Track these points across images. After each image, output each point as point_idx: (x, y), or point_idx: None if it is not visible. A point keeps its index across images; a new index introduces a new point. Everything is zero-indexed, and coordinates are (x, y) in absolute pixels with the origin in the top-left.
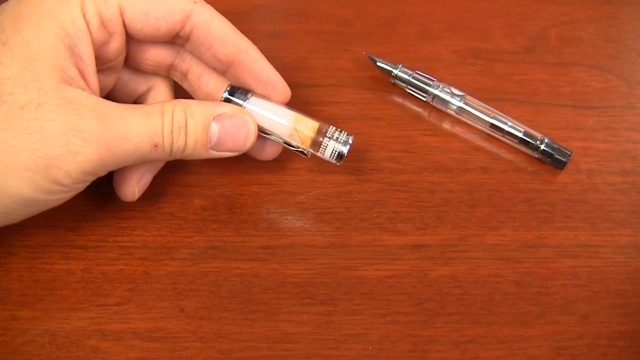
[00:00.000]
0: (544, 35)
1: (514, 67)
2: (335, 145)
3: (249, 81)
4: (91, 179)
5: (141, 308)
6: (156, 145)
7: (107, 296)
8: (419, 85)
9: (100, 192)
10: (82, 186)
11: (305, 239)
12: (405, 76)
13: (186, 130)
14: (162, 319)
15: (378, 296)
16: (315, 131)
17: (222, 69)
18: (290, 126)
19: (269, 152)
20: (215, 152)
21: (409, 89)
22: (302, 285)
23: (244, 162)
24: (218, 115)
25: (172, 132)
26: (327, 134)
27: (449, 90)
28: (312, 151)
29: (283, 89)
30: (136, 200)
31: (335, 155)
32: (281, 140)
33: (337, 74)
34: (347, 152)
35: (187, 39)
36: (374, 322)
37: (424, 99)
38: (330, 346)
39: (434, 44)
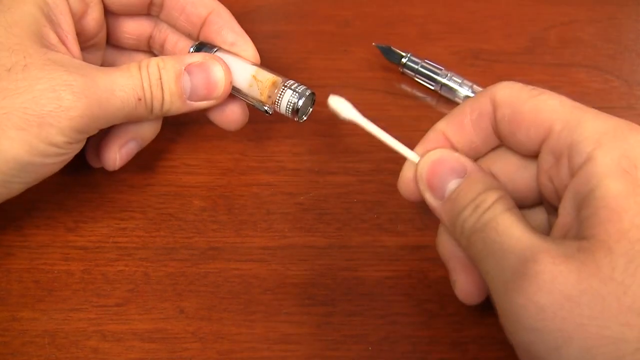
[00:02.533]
0: (543, 36)
1: (513, 67)
2: (291, 95)
3: (218, 42)
4: (83, 137)
5: (141, 309)
6: (140, 99)
7: (106, 297)
8: (428, 74)
9: (100, 192)
10: (75, 147)
11: (305, 240)
12: (414, 65)
13: (161, 83)
14: (162, 320)
15: (378, 297)
16: (274, 81)
17: (195, 32)
18: (249, 75)
19: (231, 117)
20: (192, 102)
21: (418, 78)
22: (301, 286)
23: (243, 162)
24: (188, 64)
25: (150, 86)
26: (285, 85)
27: (458, 80)
28: (272, 107)
29: (250, 51)
30: (136, 201)
31: (291, 109)
32: (244, 96)
33: (337, 74)
34: (308, 109)
35: (161, 5)
36: (374, 322)
37: (432, 88)
38: (330, 347)
39: (434, 45)
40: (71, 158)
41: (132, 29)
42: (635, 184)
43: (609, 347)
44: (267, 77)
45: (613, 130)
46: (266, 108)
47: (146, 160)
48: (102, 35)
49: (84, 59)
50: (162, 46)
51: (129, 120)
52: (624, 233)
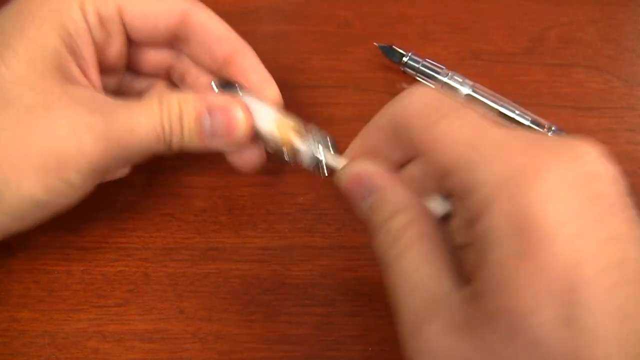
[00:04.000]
0: (543, 37)
1: (513, 68)
2: (312, 152)
3: (242, 82)
4: (100, 177)
5: (141, 309)
6: (159, 137)
7: (107, 297)
8: (429, 73)
9: (100, 193)
10: (91, 185)
11: (304, 240)
12: (415, 64)
13: (181, 120)
14: (162, 320)
15: (378, 297)
16: (295, 131)
17: (216, 70)
18: (272, 122)
19: (248, 159)
20: (211, 142)
21: (419, 77)
22: (301, 286)
23: None
24: (209, 105)
25: (170, 122)
26: (307, 136)
27: (459, 79)
28: (293, 158)
29: (274, 93)
30: (136, 202)
31: (313, 164)
32: (265, 142)
33: (337, 75)
34: (331, 164)
35: (185, 40)
36: (374, 323)
37: (433, 87)
38: (330, 347)
39: (434, 45)
40: (87, 195)
41: (153, 58)
42: (524, 249)
43: None
44: (289, 126)
45: (511, 176)
46: (287, 159)
47: (146, 160)
48: (122, 61)
49: (102, 83)
50: (182, 77)
51: (147, 155)
52: (507, 311)
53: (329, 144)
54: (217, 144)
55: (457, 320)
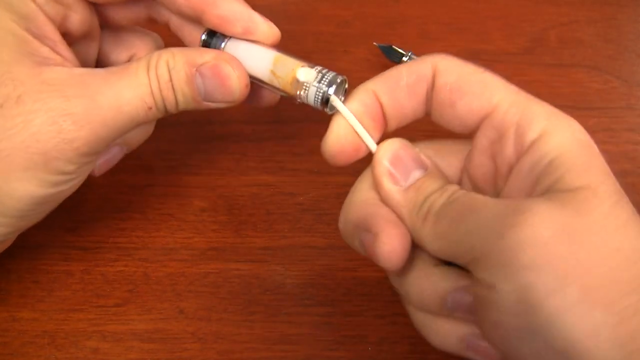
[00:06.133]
0: (543, 37)
1: (513, 68)
2: (317, 87)
3: (225, 27)
4: (95, 158)
5: (140, 309)
6: (150, 108)
7: (106, 297)
8: None
9: (100, 193)
10: (88, 167)
11: (304, 240)
12: None
13: (172, 85)
14: (162, 320)
15: (377, 297)
16: (295, 74)
17: (195, 16)
18: (268, 71)
19: (260, 100)
20: (208, 103)
21: None
22: (301, 286)
23: (243, 162)
24: (199, 66)
25: (160, 90)
26: (310, 76)
27: None
28: (300, 96)
29: (266, 31)
30: (136, 202)
31: (320, 99)
32: (268, 85)
33: None
34: (340, 97)
35: None
36: (373, 323)
37: None
38: (330, 347)
39: (434, 45)
40: (87, 176)
41: (126, 14)
42: (593, 152)
43: (609, 287)
44: (289, 66)
45: (558, 114)
46: (298, 100)
47: (146, 160)
48: (94, 27)
49: (78, 54)
50: (166, 25)
51: (142, 125)
52: (602, 180)
53: (337, 79)
54: (214, 105)
55: (553, 200)
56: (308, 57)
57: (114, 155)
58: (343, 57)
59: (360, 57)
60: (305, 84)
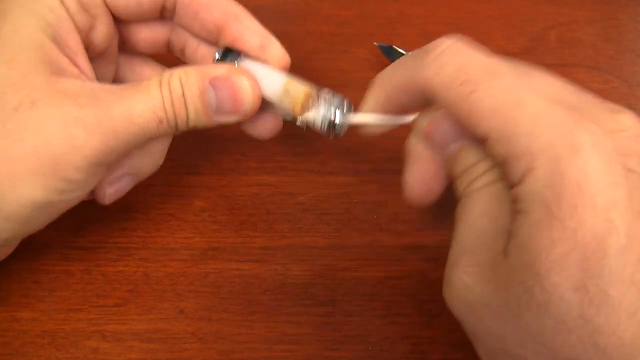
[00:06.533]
0: (543, 37)
1: None
2: (325, 110)
3: (243, 40)
4: (103, 170)
5: (141, 309)
6: (161, 122)
7: (106, 297)
8: None
9: None
10: (95, 179)
11: (305, 240)
12: None
13: (185, 101)
14: (162, 320)
15: (378, 297)
16: (306, 94)
17: (213, 39)
18: (280, 88)
19: (263, 126)
20: (219, 117)
21: None
22: (301, 286)
23: (243, 162)
24: (212, 78)
25: (172, 105)
26: (320, 97)
27: None
28: (305, 122)
29: (278, 54)
30: (136, 202)
31: (326, 125)
32: (278, 110)
33: (337, 75)
34: (345, 123)
35: (173, 10)
36: (374, 323)
37: None
38: (330, 347)
39: None
40: (92, 188)
41: (146, 35)
42: (557, 213)
43: None
44: (299, 89)
45: (551, 147)
46: (298, 123)
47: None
48: (114, 46)
49: (95, 72)
50: (182, 51)
51: (152, 140)
52: (527, 268)
53: (345, 106)
54: (225, 119)
55: (489, 262)
56: (308, 57)
57: (124, 184)
58: (343, 57)
59: (360, 57)
60: (313, 111)
